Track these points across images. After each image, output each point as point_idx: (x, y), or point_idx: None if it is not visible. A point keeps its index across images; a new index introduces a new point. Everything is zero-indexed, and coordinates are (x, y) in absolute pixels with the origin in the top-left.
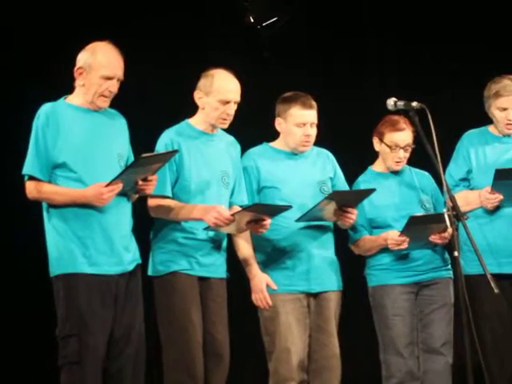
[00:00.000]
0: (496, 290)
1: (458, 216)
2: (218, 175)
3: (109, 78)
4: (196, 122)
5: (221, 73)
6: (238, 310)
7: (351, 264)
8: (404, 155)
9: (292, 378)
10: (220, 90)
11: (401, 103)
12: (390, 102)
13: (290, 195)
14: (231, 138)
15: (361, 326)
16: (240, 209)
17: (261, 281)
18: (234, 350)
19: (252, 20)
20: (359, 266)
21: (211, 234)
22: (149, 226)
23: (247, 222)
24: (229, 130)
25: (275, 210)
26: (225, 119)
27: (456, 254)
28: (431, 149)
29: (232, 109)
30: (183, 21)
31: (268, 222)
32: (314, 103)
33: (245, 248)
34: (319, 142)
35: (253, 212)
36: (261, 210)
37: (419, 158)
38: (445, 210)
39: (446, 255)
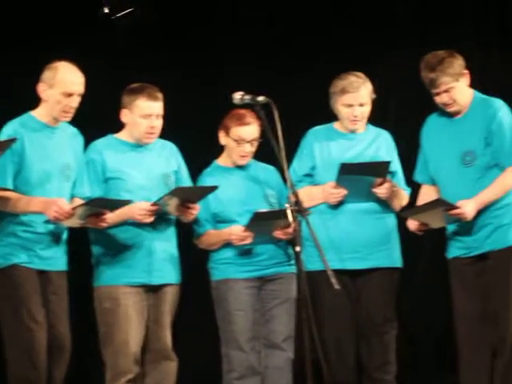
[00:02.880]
0: (336, 286)
1: (300, 211)
2: (60, 168)
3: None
4: (39, 114)
5: (64, 65)
6: (78, 302)
7: (194, 257)
8: (250, 149)
9: (130, 371)
10: (63, 83)
11: (247, 97)
12: (237, 96)
13: (135, 187)
14: (74, 130)
15: (203, 319)
16: (82, 202)
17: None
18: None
19: (107, 11)
20: (202, 259)
21: (50, 227)
22: None
23: (88, 215)
24: (73, 122)
25: (115, 205)
26: (67, 112)
27: (297, 249)
28: (276, 143)
29: (75, 101)
30: (29, 12)
31: (108, 216)
32: (159, 95)
33: None
34: (165, 135)
35: (94, 206)
36: (101, 205)
37: (265, 152)
38: (287, 206)
39: (290, 250)
